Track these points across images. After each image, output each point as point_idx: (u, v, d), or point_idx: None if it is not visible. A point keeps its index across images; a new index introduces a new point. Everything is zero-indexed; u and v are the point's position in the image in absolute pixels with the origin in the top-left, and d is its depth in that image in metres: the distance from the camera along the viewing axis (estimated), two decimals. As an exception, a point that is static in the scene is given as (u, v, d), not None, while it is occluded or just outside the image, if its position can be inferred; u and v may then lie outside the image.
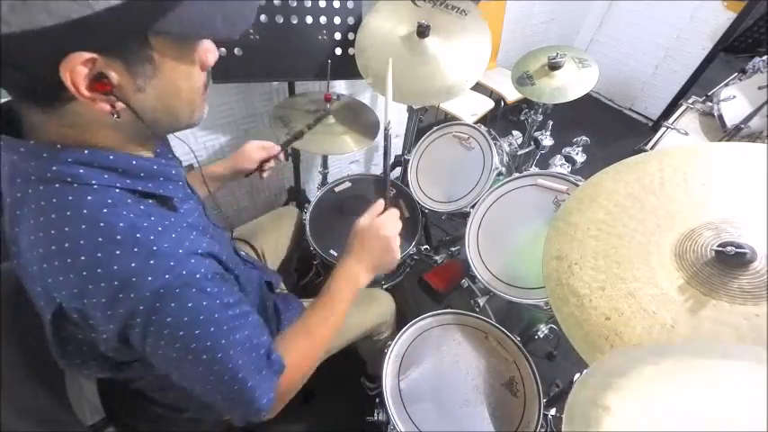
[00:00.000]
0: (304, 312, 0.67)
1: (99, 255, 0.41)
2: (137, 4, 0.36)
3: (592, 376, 0.36)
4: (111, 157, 0.45)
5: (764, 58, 1.54)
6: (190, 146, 1.37)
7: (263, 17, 1.04)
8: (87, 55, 0.36)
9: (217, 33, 0.43)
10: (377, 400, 0.82)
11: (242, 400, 0.52)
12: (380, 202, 0.73)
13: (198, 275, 0.45)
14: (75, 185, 0.43)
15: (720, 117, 1.38)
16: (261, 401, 0.52)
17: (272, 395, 0.54)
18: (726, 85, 1.54)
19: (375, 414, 0.82)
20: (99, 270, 0.41)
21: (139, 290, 0.42)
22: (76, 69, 0.36)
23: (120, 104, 0.41)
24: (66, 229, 0.41)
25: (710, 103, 1.50)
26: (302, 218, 1.19)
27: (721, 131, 1.37)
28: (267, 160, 0.91)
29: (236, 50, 1.05)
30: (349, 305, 0.67)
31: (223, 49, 1.04)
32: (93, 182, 0.43)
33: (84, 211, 0.42)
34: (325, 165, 1.42)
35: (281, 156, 0.94)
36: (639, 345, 0.49)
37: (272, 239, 1.11)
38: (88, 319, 0.44)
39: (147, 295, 0.42)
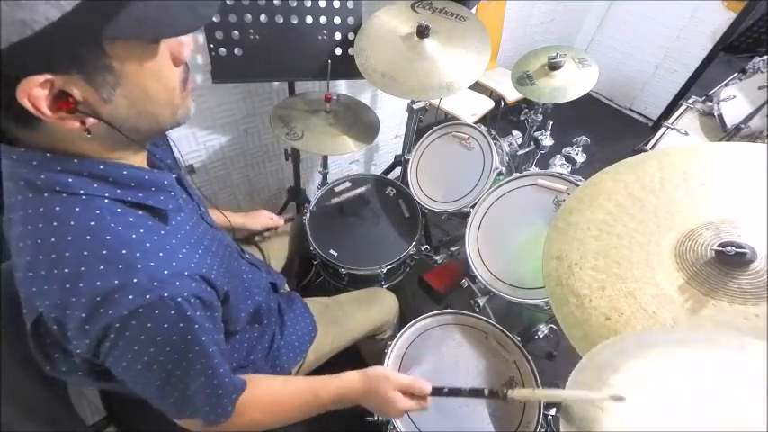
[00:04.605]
0: (284, 384, 0.67)
1: (83, 269, 0.41)
2: (80, 13, 0.33)
3: (583, 372, 0.36)
4: (101, 167, 0.44)
5: (764, 58, 1.54)
6: (189, 146, 1.37)
7: (263, 17, 1.04)
8: (41, 78, 0.34)
9: (175, 29, 0.40)
10: (377, 400, 0.82)
11: (181, 417, 0.55)
12: (422, 387, 0.63)
13: (180, 298, 0.45)
14: (64, 195, 0.42)
15: (720, 117, 1.38)
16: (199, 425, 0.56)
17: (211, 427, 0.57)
18: (726, 85, 1.54)
19: (375, 414, 0.82)
20: (81, 284, 0.41)
21: (118, 307, 0.41)
22: (34, 93, 0.35)
23: (90, 120, 0.40)
24: (53, 239, 0.41)
25: (710, 103, 1.50)
26: (302, 217, 1.19)
27: (721, 131, 1.37)
28: (269, 229, 1.08)
29: (236, 50, 1.05)
30: (322, 412, 0.66)
31: (223, 50, 1.04)
32: (81, 191, 0.43)
33: (72, 223, 0.41)
34: (325, 165, 1.42)
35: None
36: (623, 336, 0.49)
37: (276, 240, 1.11)
38: (66, 331, 0.43)
39: (125, 314, 0.41)
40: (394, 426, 0.76)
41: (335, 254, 1.12)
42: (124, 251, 0.42)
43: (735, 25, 2.23)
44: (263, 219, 1.06)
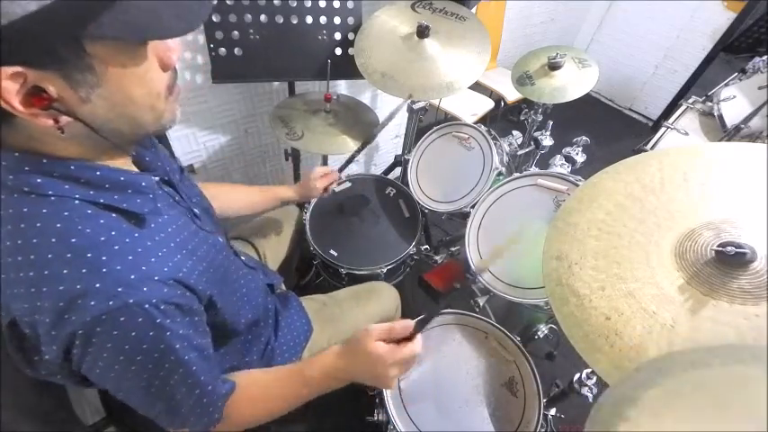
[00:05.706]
0: (269, 374, 0.64)
1: (46, 272, 0.40)
2: (60, 8, 0.32)
3: (601, 410, 0.35)
4: (72, 167, 0.42)
5: (764, 58, 1.54)
6: (189, 146, 1.36)
7: (263, 17, 1.04)
8: (11, 69, 0.33)
9: (163, 33, 0.38)
10: (377, 400, 0.82)
11: (173, 427, 0.54)
12: (405, 324, 0.60)
13: (147, 305, 0.43)
14: (33, 196, 0.41)
15: (720, 117, 1.38)
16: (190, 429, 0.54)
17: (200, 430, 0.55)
18: (726, 85, 1.54)
19: (375, 414, 0.82)
20: (45, 288, 0.40)
21: (81, 313, 0.40)
22: (4, 86, 0.33)
23: (64, 118, 0.38)
24: (20, 242, 0.40)
25: (710, 103, 1.50)
26: (302, 217, 1.19)
27: (721, 131, 1.37)
28: (330, 184, 1.01)
29: (236, 50, 1.05)
30: (314, 395, 0.63)
31: (223, 50, 1.04)
32: (50, 192, 0.41)
33: (38, 225, 0.40)
34: (325, 165, 1.42)
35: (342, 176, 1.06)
36: (643, 367, 0.48)
37: (273, 239, 1.10)
38: (38, 335, 0.42)
39: (88, 320, 0.40)
40: (394, 426, 0.75)
41: (335, 254, 1.12)
42: (89, 254, 0.41)
43: (735, 25, 2.23)
44: (319, 182, 0.97)
